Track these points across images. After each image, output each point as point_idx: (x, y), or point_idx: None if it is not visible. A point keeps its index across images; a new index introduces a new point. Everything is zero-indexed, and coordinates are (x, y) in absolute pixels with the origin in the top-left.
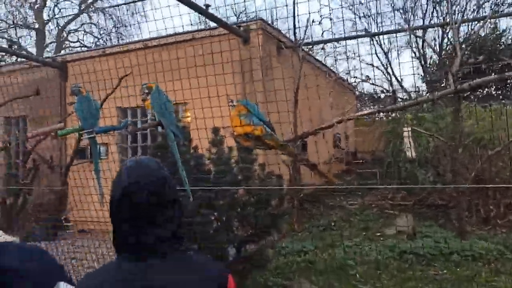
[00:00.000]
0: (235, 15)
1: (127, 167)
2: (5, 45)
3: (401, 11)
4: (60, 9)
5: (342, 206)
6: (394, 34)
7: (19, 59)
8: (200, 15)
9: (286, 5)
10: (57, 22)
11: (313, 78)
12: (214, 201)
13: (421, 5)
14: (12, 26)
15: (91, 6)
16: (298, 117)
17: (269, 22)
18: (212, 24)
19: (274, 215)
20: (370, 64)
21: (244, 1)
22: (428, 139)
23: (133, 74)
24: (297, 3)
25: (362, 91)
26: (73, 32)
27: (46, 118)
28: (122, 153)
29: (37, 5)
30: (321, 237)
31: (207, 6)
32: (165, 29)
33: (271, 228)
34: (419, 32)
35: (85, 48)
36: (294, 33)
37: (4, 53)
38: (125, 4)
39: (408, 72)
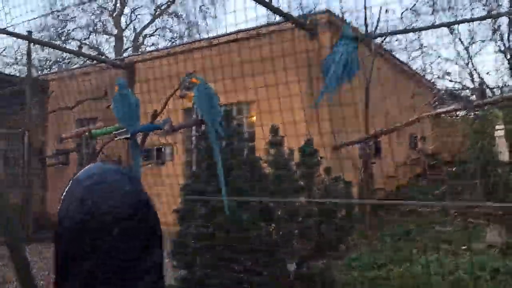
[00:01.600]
0: (301, 8)
1: (84, 187)
2: (87, 51)
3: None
4: (136, 15)
5: (420, 212)
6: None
7: (89, 62)
8: (267, 10)
9: None
10: (133, 28)
11: (386, 74)
12: (271, 211)
13: None
14: (92, 32)
15: (165, 10)
16: (370, 116)
17: (338, 14)
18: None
19: (341, 227)
20: (448, 59)
21: None
22: None
23: (198, 72)
24: None
25: (441, 87)
26: (148, 37)
27: (115, 119)
28: (187, 155)
29: (115, 13)
30: (397, 248)
31: None
32: (236, 25)
33: (338, 243)
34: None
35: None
36: (365, 25)
37: (74, 55)
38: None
39: (491, 68)
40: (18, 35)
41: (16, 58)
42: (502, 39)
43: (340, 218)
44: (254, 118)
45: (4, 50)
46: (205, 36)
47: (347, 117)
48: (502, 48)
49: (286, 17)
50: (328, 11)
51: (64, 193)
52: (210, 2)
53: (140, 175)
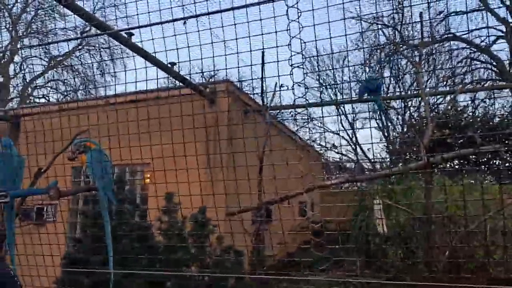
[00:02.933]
0: (202, 75)
1: None
2: None
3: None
4: (27, 65)
5: (308, 281)
6: (359, 104)
7: None
8: (167, 74)
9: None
10: (23, 77)
11: (279, 143)
12: (161, 283)
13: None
14: None
15: (61, 63)
16: (263, 183)
17: (238, 84)
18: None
19: None
20: (336, 133)
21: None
22: (398, 213)
23: (92, 131)
24: (264, 67)
25: (328, 159)
26: (38, 88)
27: None
28: (72, 216)
29: (4, 60)
30: None
31: (173, 64)
32: (135, 84)
33: None
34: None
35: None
36: (262, 97)
37: None
38: (96, 62)
39: (373, 144)
40: None
41: None
42: (381, 118)
43: None
44: (148, 180)
45: None
46: (102, 93)
47: (241, 184)
48: (381, 125)
49: (187, 84)
50: (227, 80)
51: None
52: (109, 59)
53: (14, 241)
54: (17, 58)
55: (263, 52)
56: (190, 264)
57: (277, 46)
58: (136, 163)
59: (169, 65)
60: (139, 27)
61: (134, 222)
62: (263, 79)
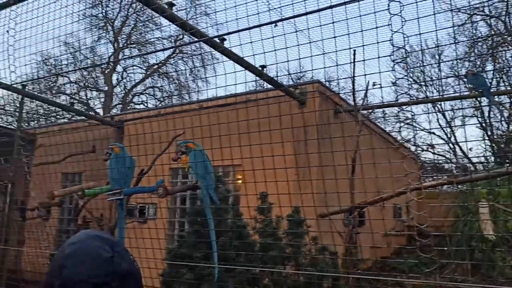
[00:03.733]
0: (290, 77)
1: (64, 254)
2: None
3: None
4: (128, 74)
5: (403, 286)
6: (458, 101)
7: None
8: (256, 76)
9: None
10: (124, 85)
11: (371, 144)
12: (258, 280)
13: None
14: (83, 88)
15: (156, 70)
16: (355, 185)
17: (326, 84)
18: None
19: None
20: (432, 133)
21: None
22: (507, 216)
23: (186, 134)
24: (354, 65)
25: (425, 160)
26: (137, 95)
27: (100, 175)
28: (171, 214)
29: (108, 70)
30: None
31: (263, 67)
32: (225, 88)
33: None
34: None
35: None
36: (353, 96)
37: (65, 110)
38: (188, 69)
39: (473, 144)
40: (14, 89)
41: (4, 109)
42: (483, 116)
43: None
44: (240, 181)
45: None
46: (195, 97)
47: (333, 186)
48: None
49: (277, 86)
50: (318, 81)
51: (54, 256)
52: (200, 65)
53: (124, 235)
54: (119, 68)
55: (354, 51)
56: (285, 263)
57: (377, 42)
58: (227, 164)
59: (259, 68)
60: (231, 32)
61: (230, 220)
62: (353, 78)
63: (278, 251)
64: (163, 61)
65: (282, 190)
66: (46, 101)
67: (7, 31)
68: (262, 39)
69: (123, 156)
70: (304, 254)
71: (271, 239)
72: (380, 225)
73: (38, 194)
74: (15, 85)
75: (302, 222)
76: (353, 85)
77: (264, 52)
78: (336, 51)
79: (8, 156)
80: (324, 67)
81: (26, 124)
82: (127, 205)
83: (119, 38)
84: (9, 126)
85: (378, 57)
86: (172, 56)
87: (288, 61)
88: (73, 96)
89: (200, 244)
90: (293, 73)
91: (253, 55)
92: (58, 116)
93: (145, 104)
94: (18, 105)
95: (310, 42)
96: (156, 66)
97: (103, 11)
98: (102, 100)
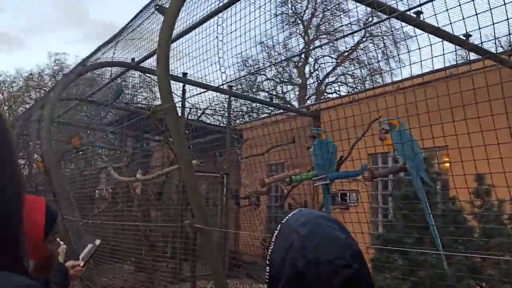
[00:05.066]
0: (500, 43)
1: (302, 236)
2: (275, 100)
3: None
4: (319, 64)
5: None
6: None
7: (278, 110)
8: (456, 46)
9: None
10: (316, 76)
11: None
12: (481, 269)
13: None
14: (279, 83)
15: (347, 57)
16: None
17: None
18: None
19: None
20: None
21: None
22: None
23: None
24: None
25: None
26: (330, 84)
27: (302, 164)
28: (373, 201)
29: (300, 63)
30: None
31: (468, 36)
32: (421, 69)
33: None
34: None
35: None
36: None
37: (265, 106)
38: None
39: None
40: (221, 90)
41: (214, 109)
42: None
43: None
44: (448, 164)
45: (210, 104)
46: (388, 80)
47: None
48: None
49: (487, 54)
50: None
51: (275, 239)
52: (392, 45)
53: None
54: (310, 60)
55: None
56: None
57: None
58: (429, 146)
59: (463, 37)
60: (423, 3)
61: (442, 204)
62: None
63: (504, 238)
64: (353, 47)
65: (499, 176)
66: (249, 99)
67: (216, 37)
68: (460, 4)
69: (326, 142)
70: None
71: (494, 224)
72: None
73: (249, 183)
74: (223, 87)
75: None
76: None
77: (463, 18)
78: None
79: (221, 151)
80: None
81: (234, 122)
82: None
83: (309, 31)
84: (220, 125)
85: None
86: (362, 41)
87: (493, 23)
88: (271, 92)
89: (410, 229)
90: (501, 37)
91: (450, 23)
92: (259, 112)
93: (338, 93)
94: (226, 105)
95: None
96: (346, 53)
97: (292, 7)
98: (297, 93)
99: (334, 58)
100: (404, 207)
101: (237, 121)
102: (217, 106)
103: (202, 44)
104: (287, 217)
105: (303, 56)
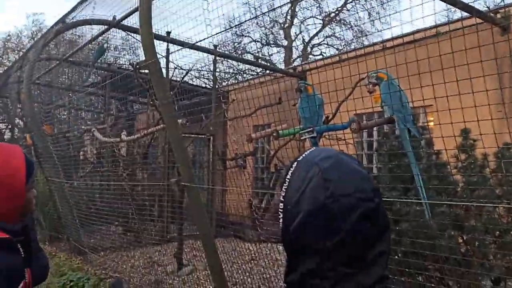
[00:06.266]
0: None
1: (324, 168)
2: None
3: None
4: (306, 26)
5: None
6: None
7: (264, 72)
8: (447, 5)
9: None
10: (302, 38)
11: None
12: (463, 221)
13: None
14: (265, 45)
15: (334, 19)
16: None
17: None
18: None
19: None
20: None
21: None
22: None
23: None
24: None
25: None
26: (316, 46)
27: (288, 125)
28: (357, 154)
29: (286, 25)
30: None
31: None
32: (411, 23)
33: None
34: None
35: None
36: None
37: (251, 67)
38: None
39: None
40: (206, 50)
41: (200, 70)
42: None
43: None
44: (432, 124)
45: (194, 65)
46: (375, 41)
47: None
48: None
49: (472, 12)
50: None
51: (291, 175)
52: (380, 6)
53: None
54: (296, 21)
55: None
56: (497, 203)
57: None
58: (418, 105)
59: None
60: None
61: (425, 160)
62: None
63: (487, 191)
64: (339, 8)
65: (485, 131)
66: (235, 59)
67: None
68: None
69: (313, 95)
70: None
71: (476, 178)
72: None
73: (236, 139)
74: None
75: None
76: None
77: None
78: None
79: (207, 113)
80: None
81: (220, 84)
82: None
83: None
84: (205, 87)
85: None
86: (348, 1)
87: None
88: (256, 54)
89: (395, 182)
90: None
91: None
92: (245, 74)
93: (323, 55)
94: (211, 67)
95: None
96: (333, 14)
97: None
98: (283, 55)
99: (320, 19)
100: (389, 160)
101: (223, 83)
102: (203, 68)
103: (187, 2)
104: (303, 155)
105: (289, 17)
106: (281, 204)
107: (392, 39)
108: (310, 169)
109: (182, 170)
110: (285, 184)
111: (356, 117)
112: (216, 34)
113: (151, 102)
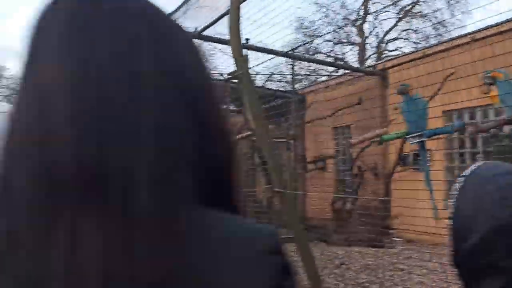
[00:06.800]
0: None
1: (499, 187)
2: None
3: None
4: (379, 21)
5: None
6: None
7: (341, 72)
8: None
9: None
10: (376, 34)
11: None
12: None
13: None
14: (337, 44)
15: (409, 11)
16: None
17: None
18: None
19: None
20: None
21: None
22: None
23: (458, 72)
24: None
25: None
26: (391, 42)
27: (369, 126)
28: (448, 160)
29: (359, 22)
30: None
31: None
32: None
33: None
34: None
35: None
36: None
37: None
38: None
39: None
40: (283, 54)
41: (272, 74)
42: None
43: None
44: None
45: (275, 69)
46: (454, 33)
47: None
48: None
49: None
50: None
51: (459, 191)
52: None
53: (430, 178)
54: (370, 18)
55: None
56: None
57: None
58: None
59: None
60: None
61: None
62: None
63: None
64: (415, 1)
65: None
66: (313, 61)
67: None
68: None
69: (416, 98)
70: None
71: None
72: None
73: (312, 148)
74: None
75: None
76: None
77: None
78: None
79: (286, 116)
80: None
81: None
82: (401, 152)
83: None
84: (281, 90)
85: None
86: None
87: None
88: (329, 54)
89: None
90: None
91: None
92: (320, 77)
93: (399, 50)
94: (285, 69)
95: None
96: (408, 7)
97: None
98: (356, 53)
99: (395, 13)
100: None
101: (298, 85)
102: (276, 71)
103: (261, 7)
104: (471, 169)
105: (361, 13)
106: (449, 220)
107: (480, 30)
108: (485, 185)
109: (275, 176)
110: (451, 201)
111: (463, 121)
112: (297, 46)
113: (238, 110)
